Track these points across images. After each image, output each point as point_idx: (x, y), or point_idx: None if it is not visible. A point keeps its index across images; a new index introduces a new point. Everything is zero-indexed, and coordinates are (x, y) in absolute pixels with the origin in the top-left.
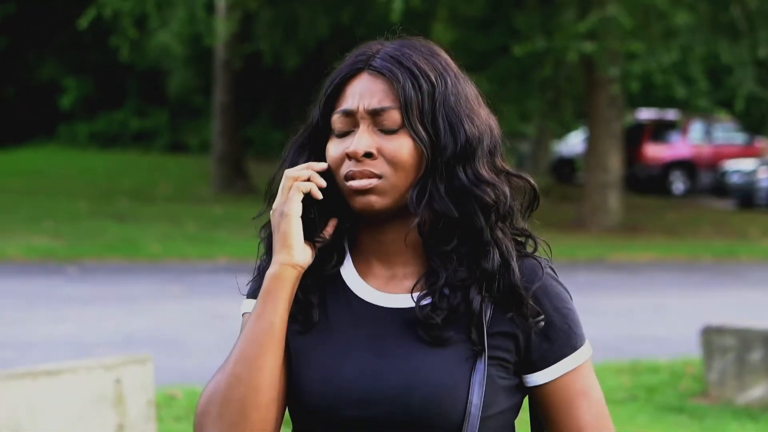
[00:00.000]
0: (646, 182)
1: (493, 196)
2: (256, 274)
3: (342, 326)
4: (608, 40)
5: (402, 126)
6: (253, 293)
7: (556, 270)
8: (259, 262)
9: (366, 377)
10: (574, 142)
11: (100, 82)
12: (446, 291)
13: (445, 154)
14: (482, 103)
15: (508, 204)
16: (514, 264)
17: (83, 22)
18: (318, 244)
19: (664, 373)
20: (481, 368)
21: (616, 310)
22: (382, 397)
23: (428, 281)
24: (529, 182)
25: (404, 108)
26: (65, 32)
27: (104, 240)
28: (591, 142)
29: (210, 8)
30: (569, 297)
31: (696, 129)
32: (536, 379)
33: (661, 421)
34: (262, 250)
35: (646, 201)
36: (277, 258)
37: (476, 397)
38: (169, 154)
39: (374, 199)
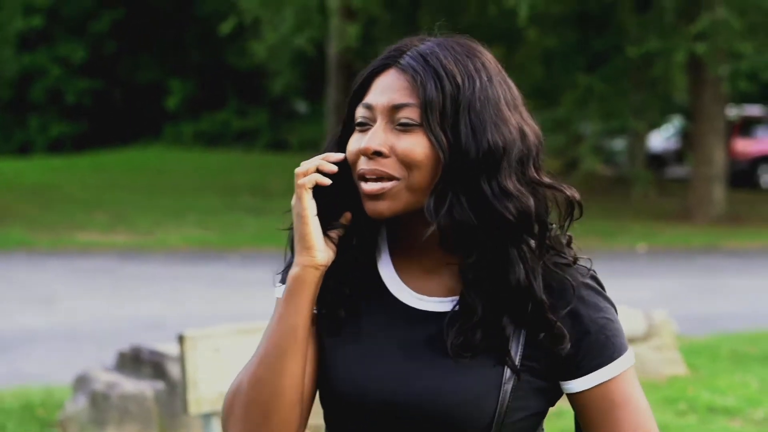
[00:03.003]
0: (736, 176)
1: (514, 212)
2: (287, 263)
3: (373, 326)
4: (718, 41)
5: (419, 125)
6: (285, 279)
7: (600, 280)
8: (288, 251)
9: (393, 381)
10: (660, 138)
11: (201, 83)
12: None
13: (466, 161)
14: (518, 108)
15: (533, 218)
16: (537, 285)
17: (225, 28)
18: (335, 237)
19: None
20: (510, 376)
21: (746, 287)
22: (408, 401)
23: (462, 303)
24: (564, 193)
25: (423, 107)
26: (168, 35)
27: (249, 230)
28: (696, 137)
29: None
30: (609, 306)
31: None
32: (572, 386)
33: None
34: (288, 241)
35: (739, 194)
36: (299, 260)
37: (504, 404)
38: (271, 152)
39: (383, 206)
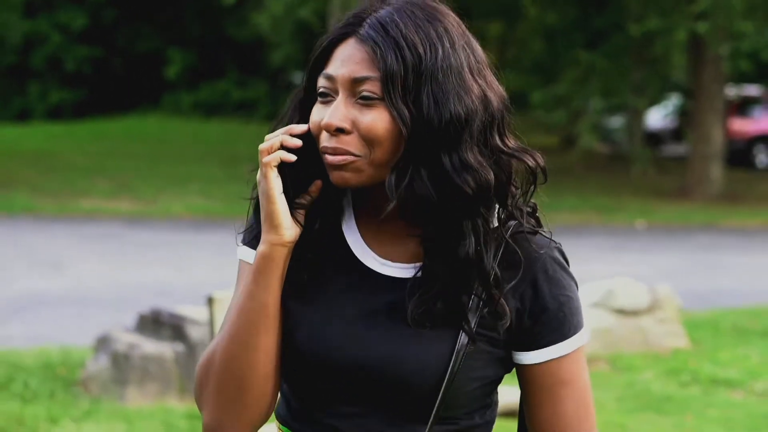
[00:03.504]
0: (733, 156)
1: (473, 185)
2: (249, 224)
3: (336, 288)
4: (719, 20)
5: (381, 98)
6: (248, 242)
7: (565, 253)
8: (251, 211)
9: (354, 345)
10: (657, 116)
11: (201, 53)
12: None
13: (428, 133)
14: (483, 72)
15: (492, 192)
16: (487, 259)
17: (230, 0)
18: (302, 209)
19: None
20: (465, 344)
21: (745, 265)
22: (367, 365)
23: (424, 271)
24: (526, 163)
25: (384, 80)
26: (169, 5)
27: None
28: (695, 115)
29: None
30: (571, 283)
31: None
32: (522, 358)
33: None
34: (251, 209)
35: (736, 173)
36: (267, 237)
37: (455, 371)
38: (270, 123)
39: (348, 176)
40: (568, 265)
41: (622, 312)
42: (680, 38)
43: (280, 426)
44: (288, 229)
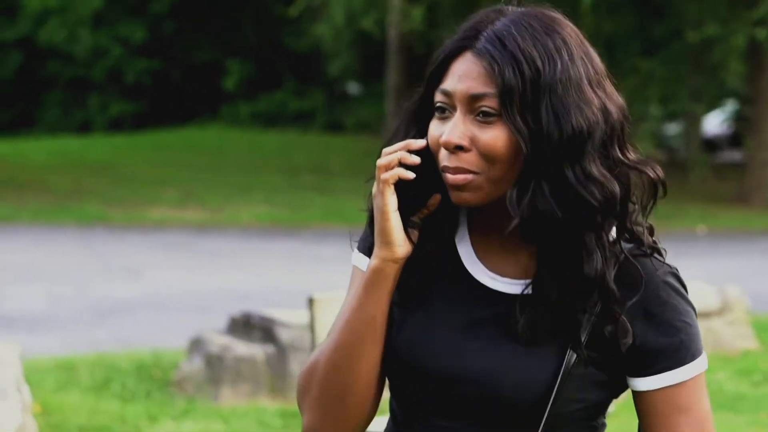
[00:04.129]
0: None
1: (599, 197)
2: (364, 233)
3: (443, 299)
4: None
5: (499, 114)
6: (363, 249)
7: (681, 278)
8: (366, 222)
9: (453, 357)
10: (714, 123)
11: (259, 64)
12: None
13: (549, 148)
14: (602, 83)
15: (617, 203)
16: (609, 275)
17: (294, 11)
18: (416, 225)
19: None
20: (573, 365)
21: None
22: (466, 379)
23: (536, 287)
24: (648, 174)
25: (502, 96)
26: (225, 17)
27: (316, 209)
28: (754, 122)
29: None
30: (688, 309)
31: None
32: (637, 384)
33: None
34: (367, 219)
35: None
36: (379, 253)
37: (561, 393)
38: (328, 133)
39: (468, 196)
40: (686, 290)
41: None
42: (739, 44)
43: None
44: (400, 246)
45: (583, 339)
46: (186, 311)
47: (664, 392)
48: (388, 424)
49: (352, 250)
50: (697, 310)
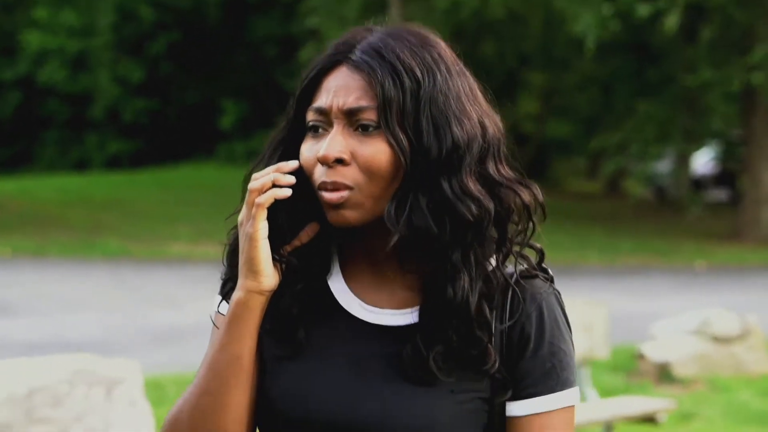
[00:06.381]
0: None
1: (475, 212)
2: (226, 276)
3: (320, 341)
4: None
5: (379, 127)
6: (225, 294)
7: (562, 302)
8: (225, 259)
9: (338, 401)
10: (700, 162)
11: (253, 103)
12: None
13: (427, 161)
14: (478, 99)
15: (491, 221)
16: (473, 300)
17: (303, 55)
18: (283, 263)
19: None
20: (464, 399)
21: None
22: (352, 424)
23: (421, 316)
24: (521, 197)
25: (382, 108)
26: (220, 58)
27: None
28: (747, 161)
29: None
30: (565, 334)
31: None
32: (507, 409)
33: None
34: (227, 254)
35: None
36: (244, 283)
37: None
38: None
39: (348, 214)
40: (565, 315)
41: (716, 339)
42: (734, 88)
43: None
44: (268, 277)
45: (467, 370)
46: None
47: (527, 420)
48: None
49: (216, 302)
50: (719, 335)
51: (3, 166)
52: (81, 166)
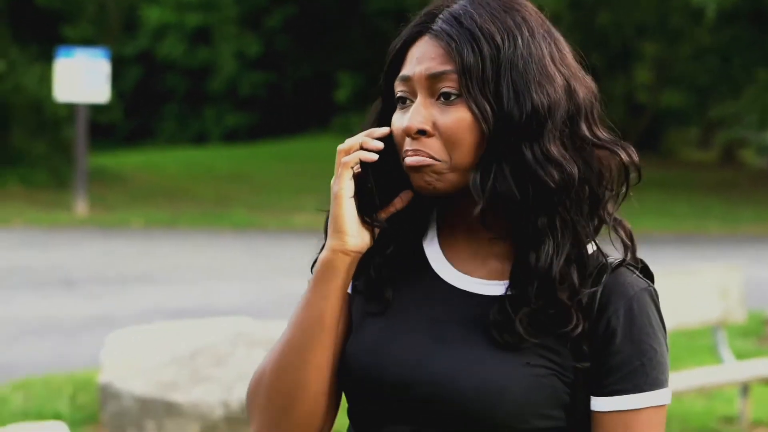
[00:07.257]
0: None
1: (557, 178)
2: (320, 248)
3: (408, 302)
4: None
5: (460, 95)
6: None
7: (658, 301)
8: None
9: (412, 359)
10: None
11: (369, 76)
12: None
13: (509, 127)
14: (566, 61)
15: (575, 186)
16: (557, 265)
17: None
18: (375, 226)
19: None
20: (544, 373)
21: None
22: (421, 382)
23: (513, 286)
24: (617, 155)
25: (462, 74)
26: (337, 31)
27: None
28: None
29: None
30: (658, 333)
31: None
32: (592, 404)
33: None
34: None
35: None
36: (330, 243)
37: (527, 404)
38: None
39: (430, 179)
40: (659, 313)
41: None
42: None
43: None
44: (352, 236)
45: (548, 343)
46: None
47: (613, 417)
48: None
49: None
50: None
51: (125, 140)
52: (200, 139)
